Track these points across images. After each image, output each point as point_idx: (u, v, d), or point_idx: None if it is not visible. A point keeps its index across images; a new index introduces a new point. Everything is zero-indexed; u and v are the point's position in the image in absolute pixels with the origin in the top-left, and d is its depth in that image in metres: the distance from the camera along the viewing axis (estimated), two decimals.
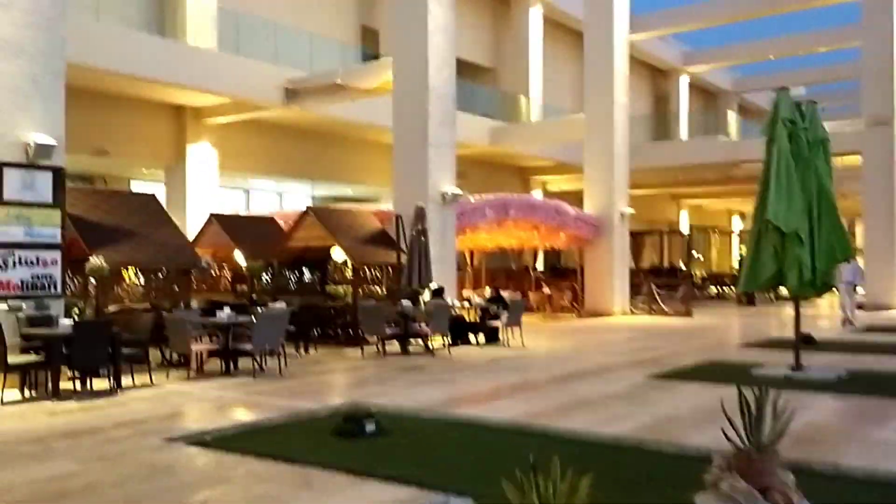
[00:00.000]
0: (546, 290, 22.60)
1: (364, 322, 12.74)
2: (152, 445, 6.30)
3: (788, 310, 20.47)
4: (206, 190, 19.89)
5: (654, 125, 36.68)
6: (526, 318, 21.07)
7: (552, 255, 28.36)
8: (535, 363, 12.06)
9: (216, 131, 20.11)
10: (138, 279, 11.97)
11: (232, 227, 15.85)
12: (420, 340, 13.12)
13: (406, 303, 13.16)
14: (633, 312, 21.62)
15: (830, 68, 40.98)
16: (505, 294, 17.67)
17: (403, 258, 14.34)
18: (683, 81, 38.50)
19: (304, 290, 15.59)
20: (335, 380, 10.19)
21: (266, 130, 21.42)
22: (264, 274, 15.48)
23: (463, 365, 11.67)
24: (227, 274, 16.36)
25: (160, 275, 11.97)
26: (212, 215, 16.03)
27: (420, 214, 14.17)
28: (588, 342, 15.38)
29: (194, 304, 12.67)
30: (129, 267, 11.65)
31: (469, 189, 21.91)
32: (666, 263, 34.61)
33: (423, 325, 13.04)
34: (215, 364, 10.55)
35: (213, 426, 7.00)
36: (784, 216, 9.73)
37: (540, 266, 27.29)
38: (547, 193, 31.12)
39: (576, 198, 23.50)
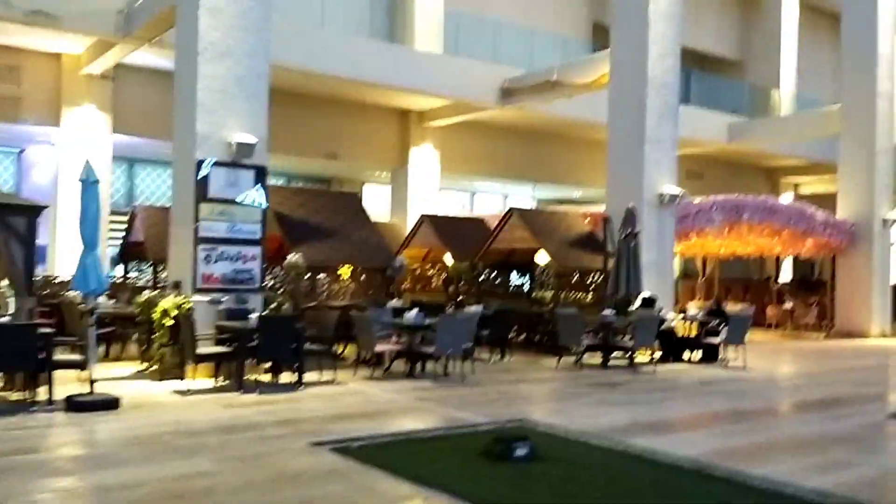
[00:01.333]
0: (788, 304, 20.12)
1: (562, 330, 11.98)
2: (297, 448, 6.15)
3: None
4: (428, 191, 20.22)
5: None
6: (762, 336, 19.08)
7: (804, 266, 25.32)
8: (752, 389, 10.54)
9: (437, 134, 20.37)
10: (353, 277, 12.29)
11: (442, 227, 15.86)
12: (627, 354, 12.09)
13: (608, 312, 12.19)
14: (894, 335, 18.54)
15: None
16: (734, 307, 15.93)
17: (611, 264, 13.35)
18: None
19: (509, 293, 15.15)
20: (517, 391, 9.59)
21: (486, 131, 21.33)
22: (471, 275, 15.27)
23: (666, 385, 10.49)
24: (440, 274, 16.41)
25: (363, 273, 12.17)
26: (423, 216, 16.16)
27: (630, 216, 13.09)
28: (827, 367, 13.29)
29: (398, 302, 12.76)
30: (346, 265, 11.98)
31: (707, 191, 20.17)
32: None
33: (626, 337, 12.00)
34: (404, 365, 10.42)
35: (369, 432, 6.73)
36: None
37: (788, 277, 24.51)
38: (799, 196, 27.95)
39: (833, 201, 20.71)
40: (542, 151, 22.45)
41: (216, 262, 9.61)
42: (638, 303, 12.97)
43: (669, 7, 14.43)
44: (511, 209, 14.43)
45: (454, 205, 24.30)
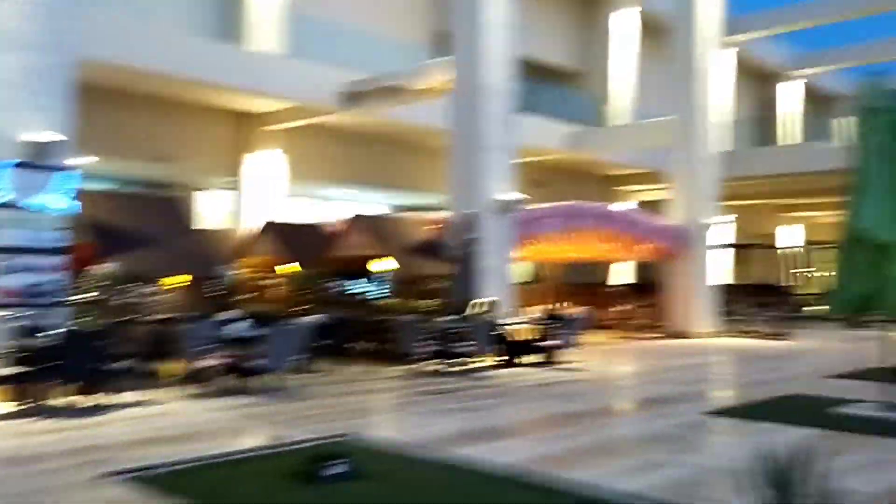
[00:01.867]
0: (625, 307, 20.98)
1: (401, 338, 11.77)
2: (82, 481, 5.51)
3: None
4: (274, 198, 19.48)
5: (762, 132, 34.25)
6: (602, 338, 19.75)
7: (645, 270, 26.58)
8: (585, 390, 10.74)
9: (283, 138, 19.68)
10: (178, 288, 11.50)
11: (286, 235, 15.25)
12: (466, 360, 12.02)
13: (446, 318, 12.11)
14: (720, 334, 19.72)
15: None
16: (575, 310, 16.31)
17: (453, 269, 13.29)
18: (793, 85, 35.76)
19: (355, 301, 14.79)
20: (352, 403, 9.24)
21: (336, 137, 20.84)
22: (315, 283, 14.77)
23: (501, 390, 10.49)
24: (284, 283, 15.78)
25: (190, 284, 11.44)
26: (267, 223, 15.52)
27: (469, 223, 13.09)
28: (658, 366, 13.85)
29: (232, 314, 12.10)
30: (167, 275, 11.18)
31: (551, 199, 20.64)
32: (771, 280, 32.12)
33: (465, 343, 11.94)
34: (234, 381, 9.80)
35: (174, 457, 6.17)
36: (878, 224, 8.10)
37: (629, 280, 25.63)
38: (636, 204, 29.34)
39: (664, 209, 21.80)
40: (394, 158, 22.24)
41: (7, 273, 8.64)
42: (478, 308, 12.98)
43: (505, 16, 14.62)
44: (355, 215, 14.07)
45: (306, 212, 23.62)
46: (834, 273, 8.57)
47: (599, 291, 22.89)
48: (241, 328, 9.67)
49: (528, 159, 24.50)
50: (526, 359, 13.24)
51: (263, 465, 6.22)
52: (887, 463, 6.49)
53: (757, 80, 36.16)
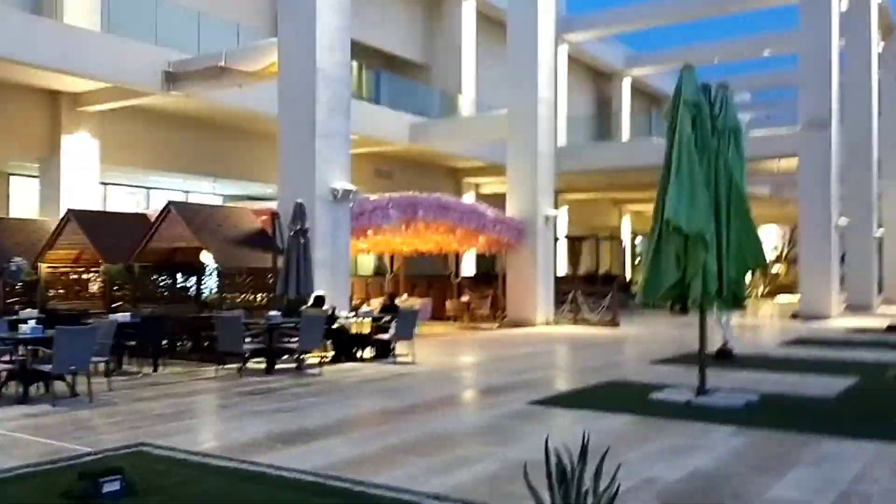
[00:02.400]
0: (465, 297, 21.06)
1: (222, 335, 11.01)
2: None
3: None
4: (87, 185, 17.91)
5: (597, 127, 35.64)
6: (442, 329, 19.69)
7: (487, 261, 26.86)
8: (413, 384, 10.48)
9: (97, 120, 18.14)
10: None
11: (94, 224, 13.98)
12: (294, 356, 11.43)
13: (273, 313, 11.48)
14: (556, 322, 20.18)
15: (777, 74, 40.38)
16: (416, 302, 16.13)
17: (281, 262, 12.64)
18: (626, 84, 37.48)
19: (175, 296, 13.77)
20: (154, 408, 8.43)
21: (158, 121, 19.47)
22: (127, 278, 13.61)
23: (325, 387, 10.02)
24: (96, 279, 14.47)
25: None
26: (69, 211, 14.15)
27: (299, 212, 12.48)
28: (493, 356, 13.85)
29: (30, 312, 10.91)
30: None
31: (396, 190, 20.27)
32: (604, 271, 33.46)
33: (294, 339, 11.36)
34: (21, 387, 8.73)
35: None
36: (686, 215, 8.30)
37: (471, 272, 25.82)
38: (480, 196, 29.67)
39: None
40: (222, 145, 21.09)
41: None
42: (310, 302, 12.42)
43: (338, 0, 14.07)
44: (169, 203, 13.06)
45: (126, 201, 22.03)
46: (647, 264, 8.74)
47: (443, 283, 22.88)
48: (30, 329, 8.61)
49: (374, 150, 24.16)
50: (362, 353, 12.85)
51: (27, 485, 5.43)
52: (691, 449, 6.60)
53: (594, 78, 37.62)
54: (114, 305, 13.26)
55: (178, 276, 13.82)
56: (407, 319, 12.50)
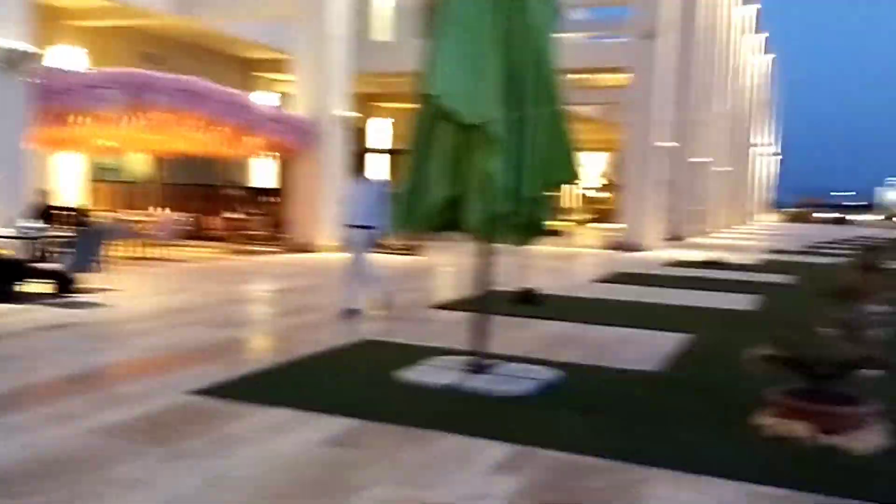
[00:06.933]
0: (237, 214, 17.23)
1: None
2: None
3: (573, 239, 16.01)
4: None
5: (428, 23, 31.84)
6: (198, 253, 15.62)
7: (275, 171, 22.85)
8: (62, 345, 6.80)
9: None
10: None
11: None
12: None
13: None
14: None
15: None
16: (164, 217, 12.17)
17: None
18: None
19: None
20: None
21: None
22: None
23: None
24: None
25: None
26: None
27: None
28: (216, 297, 10.09)
29: None
30: None
31: None
32: None
33: None
34: None
35: None
36: (464, 90, 5.12)
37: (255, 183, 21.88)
38: (287, 100, 25.31)
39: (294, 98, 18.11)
40: None
41: None
42: None
43: None
44: None
45: None
46: (404, 176, 5.53)
47: (215, 195, 18.85)
48: None
49: (135, 23, 19.26)
50: (27, 288, 8.89)
51: None
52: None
53: None
54: None
55: None
56: (89, 242, 8.64)
